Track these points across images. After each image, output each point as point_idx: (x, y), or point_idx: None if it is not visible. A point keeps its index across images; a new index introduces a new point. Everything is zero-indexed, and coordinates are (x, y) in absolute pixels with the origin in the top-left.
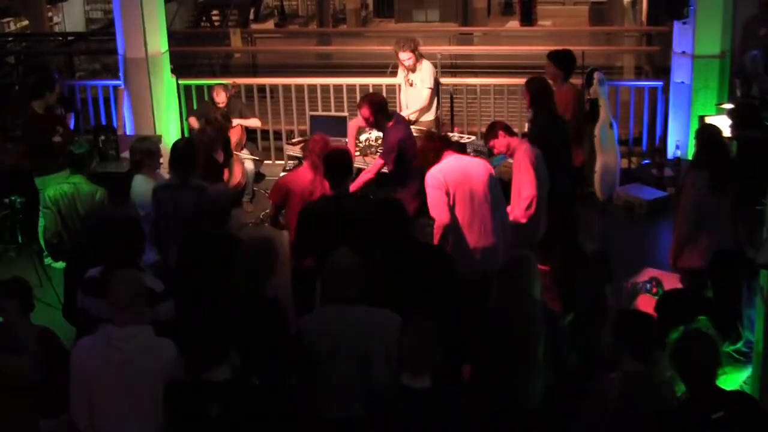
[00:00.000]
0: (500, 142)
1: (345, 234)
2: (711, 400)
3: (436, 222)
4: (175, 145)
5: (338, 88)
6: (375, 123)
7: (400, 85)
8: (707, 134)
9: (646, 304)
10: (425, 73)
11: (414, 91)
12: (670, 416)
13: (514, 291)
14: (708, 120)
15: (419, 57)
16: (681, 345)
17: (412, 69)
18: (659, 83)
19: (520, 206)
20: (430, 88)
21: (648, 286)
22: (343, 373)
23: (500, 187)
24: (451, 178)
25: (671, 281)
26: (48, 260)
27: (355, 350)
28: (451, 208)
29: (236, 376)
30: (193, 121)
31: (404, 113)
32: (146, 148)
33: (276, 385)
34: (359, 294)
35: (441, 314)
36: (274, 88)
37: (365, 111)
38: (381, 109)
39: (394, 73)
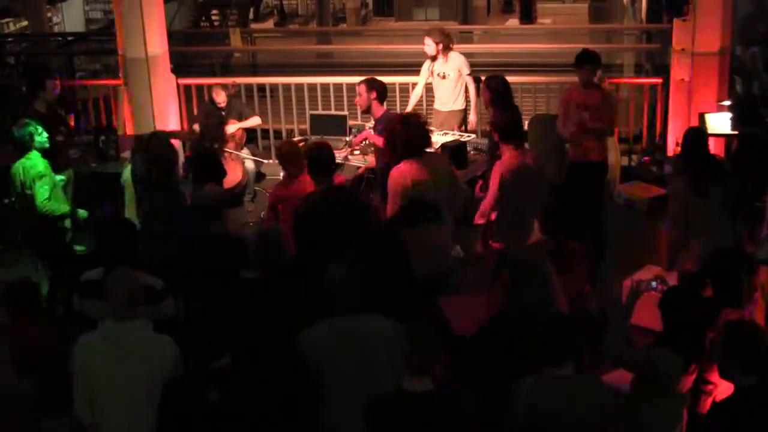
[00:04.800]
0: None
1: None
2: None
3: None
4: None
5: (338, 87)
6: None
7: (430, 82)
8: (690, 137)
9: (651, 301)
10: (458, 63)
11: (447, 83)
12: (731, 404)
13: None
14: (708, 117)
15: (445, 49)
16: (730, 336)
17: (431, 58)
18: (659, 80)
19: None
20: (469, 74)
21: (654, 284)
22: (349, 384)
23: (457, 185)
24: (415, 176)
25: (674, 279)
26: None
27: (359, 360)
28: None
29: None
30: (197, 128)
31: (436, 106)
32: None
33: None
34: (359, 304)
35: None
36: (274, 88)
37: (362, 88)
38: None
39: (416, 72)
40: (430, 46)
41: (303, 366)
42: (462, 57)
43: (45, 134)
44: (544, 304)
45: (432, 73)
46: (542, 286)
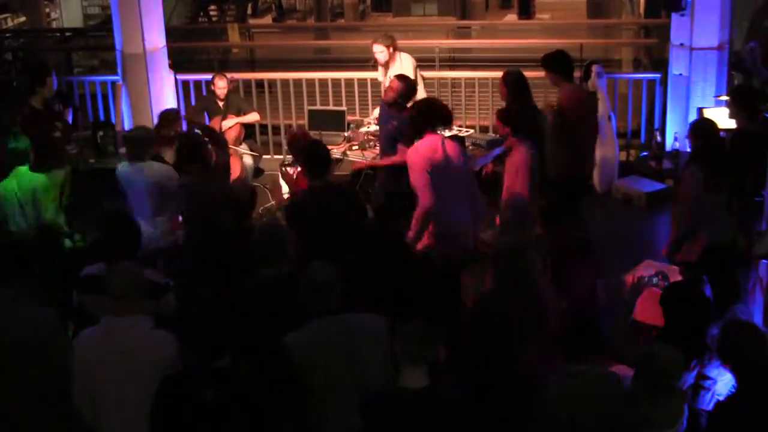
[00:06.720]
0: (503, 129)
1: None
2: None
3: (420, 204)
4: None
5: (336, 83)
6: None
7: (383, 83)
8: (703, 130)
9: (652, 297)
10: (405, 67)
11: None
12: (728, 408)
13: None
14: (706, 112)
15: (393, 53)
16: (726, 337)
17: (384, 64)
18: (657, 75)
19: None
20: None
21: (655, 279)
22: (342, 384)
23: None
24: (434, 157)
25: (674, 274)
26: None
27: (352, 359)
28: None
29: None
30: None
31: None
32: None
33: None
34: (339, 303)
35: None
36: (272, 83)
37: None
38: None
39: (374, 68)
40: (382, 52)
41: (294, 366)
42: (411, 58)
43: None
44: (526, 298)
45: (386, 77)
46: (524, 281)
